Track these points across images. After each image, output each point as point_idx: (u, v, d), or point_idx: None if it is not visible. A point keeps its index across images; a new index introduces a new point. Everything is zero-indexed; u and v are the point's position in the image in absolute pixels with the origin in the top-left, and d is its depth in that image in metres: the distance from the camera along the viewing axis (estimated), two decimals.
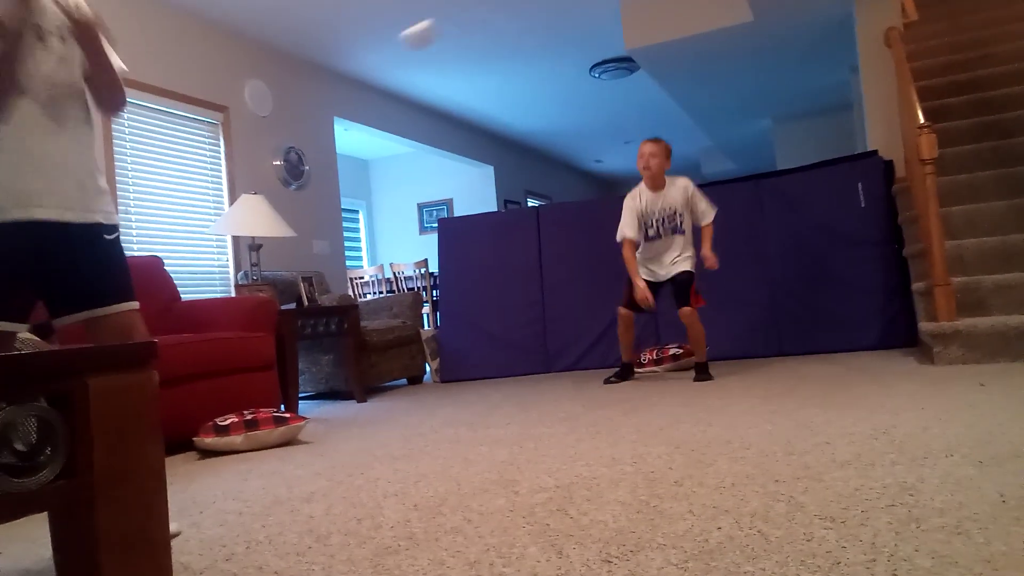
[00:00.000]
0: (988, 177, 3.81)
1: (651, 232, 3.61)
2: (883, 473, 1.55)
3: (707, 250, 3.53)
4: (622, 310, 3.67)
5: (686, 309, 3.50)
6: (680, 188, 3.60)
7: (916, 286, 3.59)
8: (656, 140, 3.63)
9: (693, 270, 3.57)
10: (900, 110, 4.14)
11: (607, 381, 3.74)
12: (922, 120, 3.26)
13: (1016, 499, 1.29)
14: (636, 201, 3.64)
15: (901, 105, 4.00)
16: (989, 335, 3.01)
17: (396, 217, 8.96)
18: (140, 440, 0.80)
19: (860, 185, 4.23)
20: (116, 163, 4.06)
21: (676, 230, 3.59)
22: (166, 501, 0.82)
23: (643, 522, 1.38)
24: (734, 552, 1.18)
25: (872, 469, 1.59)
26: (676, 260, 3.60)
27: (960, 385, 2.57)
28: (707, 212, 3.58)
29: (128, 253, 4.01)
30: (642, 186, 3.66)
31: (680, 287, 3.55)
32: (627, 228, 3.60)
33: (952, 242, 3.49)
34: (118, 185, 4.06)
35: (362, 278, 6.70)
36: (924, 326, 3.26)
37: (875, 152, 4.45)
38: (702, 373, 3.54)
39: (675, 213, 3.58)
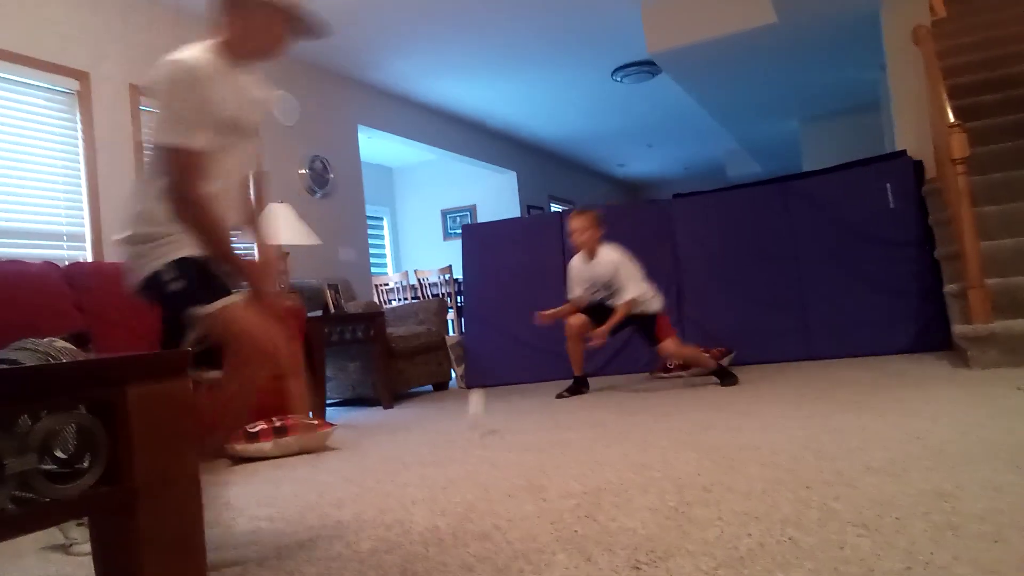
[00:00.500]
0: (1022, 176, 3.73)
1: (596, 296, 3.72)
2: (919, 479, 1.52)
3: (603, 328, 3.56)
4: (572, 319, 3.71)
5: (662, 346, 3.58)
6: (607, 263, 3.66)
7: (949, 288, 3.52)
8: (582, 213, 3.73)
9: (655, 311, 3.64)
10: (930, 109, 4.06)
11: (559, 396, 3.70)
12: (952, 119, 3.20)
13: None
14: (577, 264, 3.81)
15: (931, 104, 3.93)
16: None
17: (420, 223, 9.01)
18: (177, 446, 0.82)
19: (889, 186, 4.16)
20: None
21: (613, 297, 3.65)
22: (202, 506, 0.84)
23: (672, 528, 1.37)
24: (765, 559, 1.16)
25: (907, 475, 1.56)
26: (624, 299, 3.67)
27: (997, 389, 2.51)
28: (624, 291, 3.58)
29: None
30: (580, 253, 3.77)
31: (647, 328, 3.64)
32: (570, 290, 3.83)
33: (987, 243, 3.41)
34: None
35: (387, 285, 6.74)
36: (958, 329, 3.19)
37: (903, 152, 4.38)
38: (724, 378, 3.51)
39: (607, 283, 3.65)
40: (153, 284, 1.55)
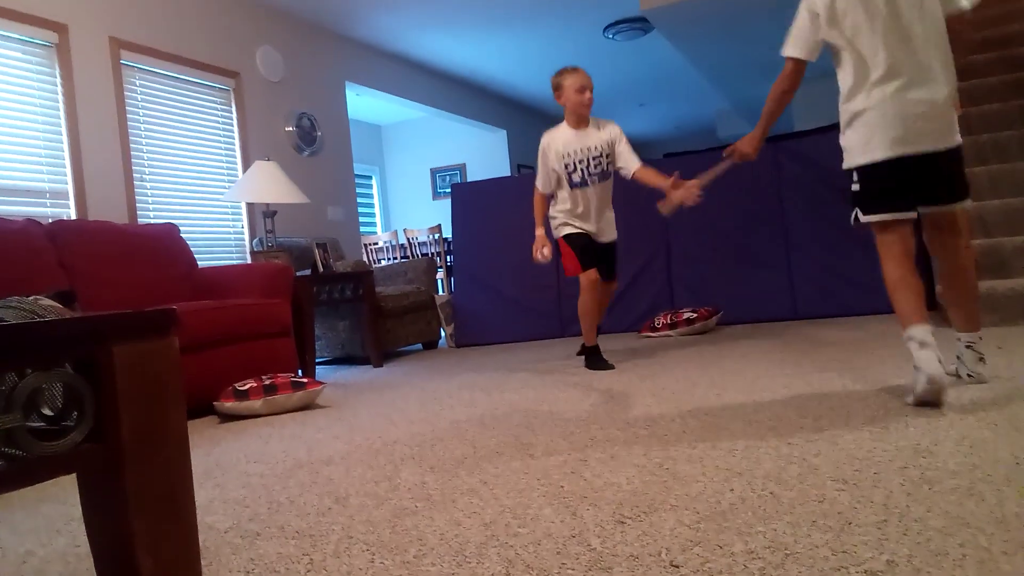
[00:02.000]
0: (1014, 136, 3.73)
1: (575, 178, 3.11)
2: (897, 435, 1.56)
3: (673, 183, 2.93)
4: (591, 275, 3.06)
5: (615, 285, 3.38)
6: (606, 131, 3.14)
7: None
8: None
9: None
10: None
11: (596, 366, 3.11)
12: None
13: None
14: (553, 142, 3.15)
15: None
16: (1009, 297, 2.98)
17: (409, 182, 8.93)
18: (164, 405, 0.82)
19: None
20: (130, 130, 4.07)
21: (604, 176, 3.13)
22: (190, 464, 0.84)
23: (656, 484, 1.40)
24: (746, 513, 1.19)
25: (887, 432, 1.60)
26: (611, 220, 3.24)
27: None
28: (633, 157, 3.11)
29: (144, 220, 4.06)
30: (562, 125, 3.19)
31: (614, 257, 3.29)
32: (539, 180, 3.20)
33: (974, 203, 3.43)
34: (132, 153, 4.07)
35: (376, 244, 6.72)
36: (941, 288, 3.23)
37: None
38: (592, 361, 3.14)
39: (601, 155, 3.10)
40: None
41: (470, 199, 5.01)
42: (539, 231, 3.17)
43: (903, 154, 1.90)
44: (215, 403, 2.75)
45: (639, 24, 6.17)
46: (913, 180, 1.93)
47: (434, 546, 1.19)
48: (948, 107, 1.89)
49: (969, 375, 2.01)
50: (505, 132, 8.41)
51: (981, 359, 2.00)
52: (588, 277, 3.06)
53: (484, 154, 8.52)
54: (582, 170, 3.10)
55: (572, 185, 3.13)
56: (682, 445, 1.67)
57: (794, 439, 1.62)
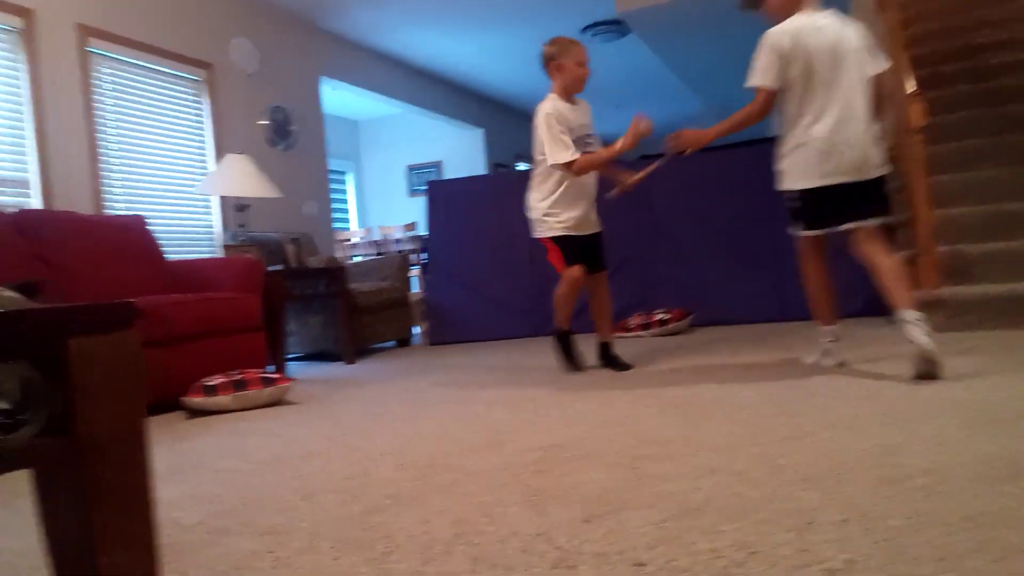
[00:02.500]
0: (979, 145, 3.81)
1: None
2: (870, 434, 1.58)
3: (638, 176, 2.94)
4: (575, 271, 2.90)
5: (606, 273, 3.03)
6: (589, 109, 3.02)
7: (902, 254, 3.61)
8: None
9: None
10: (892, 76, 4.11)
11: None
12: (913, 87, 3.24)
13: (995, 461, 1.32)
14: (558, 113, 2.84)
15: (893, 72, 3.97)
16: (973, 303, 3.04)
17: (385, 179, 8.88)
18: (123, 400, 0.81)
19: None
20: (96, 119, 3.99)
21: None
22: (150, 459, 0.83)
23: (627, 482, 1.40)
24: (712, 513, 1.20)
25: (859, 431, 1.62)
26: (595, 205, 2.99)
27: (944, 351, 2.60)
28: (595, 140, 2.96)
29: (111, 211, 3.98)
30: (553, 97, 2.91)
31: (602, 245, 3.03)
32: (567, 145, 2.81)
33: (940, 211, 3.50)
34: (98, 143, 3.99)
35: (350, 240, 6.67)
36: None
37: None
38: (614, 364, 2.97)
39: (592, 134, 2.97)
40: None
41: (445, 197, 4.99)
42: (626, 143, 2.77)
43: (832, 183, 2.36)
44: (183, 398, 2.71)
45: (616, 26, 6.21)
46: (840, 202, 2.38)
47: (401, 543, 1.19)
48: (871, 145, 2.35)
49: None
50: (482, 131, 8.40)
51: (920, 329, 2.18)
52: (572, 274, 2.88)
53: (461, 152, 8.50)
54: (581, 149, 2.81)
55: None
56: (654, 443, 1.68)
57: (766, 438, 1.64)
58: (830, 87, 2.33)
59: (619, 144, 2.77)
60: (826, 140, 2.33)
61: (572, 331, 3.06)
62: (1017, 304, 2.97)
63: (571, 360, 3.01)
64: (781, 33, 2.36)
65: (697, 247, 4.51)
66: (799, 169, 2.42)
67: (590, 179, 2.93)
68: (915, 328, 2.14)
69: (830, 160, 2.33)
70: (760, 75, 2.41)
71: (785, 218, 2.66)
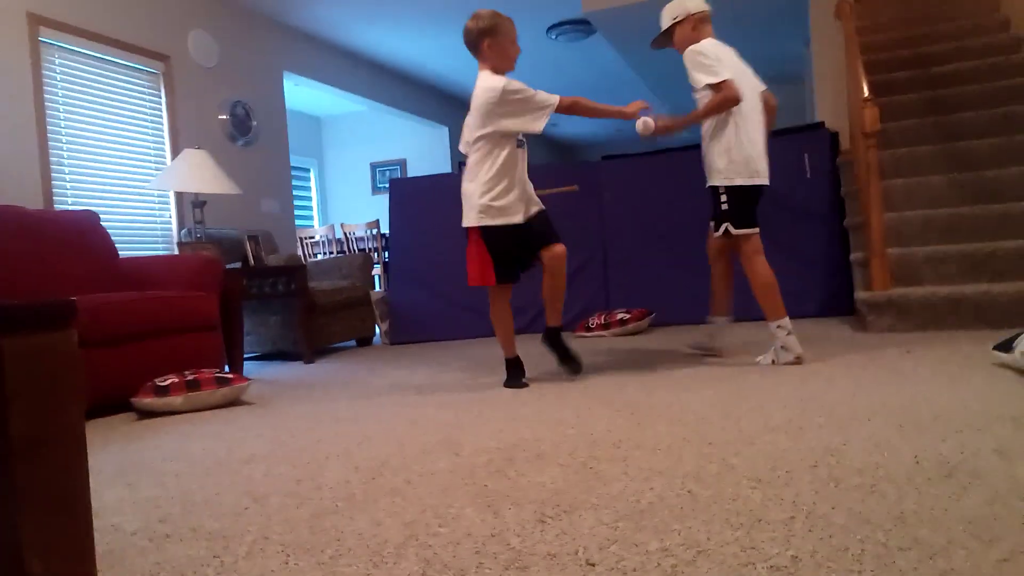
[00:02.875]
0: (928, 151, 3.93)
1: (520, 138, 2.66)
2: (811, 436, 1.62)
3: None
4: (497, 289, 2.79)
5: (562, 247, 2.69)
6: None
7: (854, 256, 3.71)
8: None
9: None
10: (847, 83, 4.21)
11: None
12: (867, 93, 3.33)
13: (930, 461, 1.37)
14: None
15: (848, 78, 4.07)
16: (920, 305, 3.13)
17: (348, 177, 8.79)
18: (59, 401, 0.78)
19: (806, 156, 4.31)
20: (47, 111, 3.87)
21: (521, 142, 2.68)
22: (86, 463, 0.80)
23: (580, 483, 1.41)
24: (664, 512, 1.22)
25: (801, 432, 1.66)
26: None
27: (889, 352, 2.68)
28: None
29: (61, 207, 3.86)
30: (488, 74, 2.59)
31: (549, 220, 2.75)
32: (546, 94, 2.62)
33: (891, 214, 3.60)
34: (49, 135, 3.87)
35: (312, 238, 6.58)
36: (860, 295, 3.38)
37: (822, 124, 4.53)
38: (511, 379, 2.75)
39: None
40: None
41: (408, 194, 4.96)
42: (637, 105, 2.75)
43: (762, 184, 2.68)
44: (132, 399, 2.64)
45: (582, 27, 6.24)
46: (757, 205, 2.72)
47: (352, 546, 1.17)
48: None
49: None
50: (447, 128, 8.37)
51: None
52: (497, 290, 2.73)
53: (425, 150, 8.47)
54: (516, 144, 2.63)
55: (518, 143, 2.63)
56: (607, 445, 1.69)
57: (715, 440, 1.66)
58: (749, 90, 2.67)
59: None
60: (757, 140, 2.65)
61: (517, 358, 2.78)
62: (961, 305, 3.07)
63: (517, 384, 2.68)
64: (703, 44, 2.69)
65: (650, 249, 4.56)
66: (738, 166, 2.65)
67: (522, 157, 2.65)
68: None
69: (761, 160, 2.68)
70: (717, 70, 2.62)
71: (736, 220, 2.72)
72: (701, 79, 2.67)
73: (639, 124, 2.75)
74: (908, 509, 1.14)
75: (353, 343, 4.92)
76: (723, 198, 2.69)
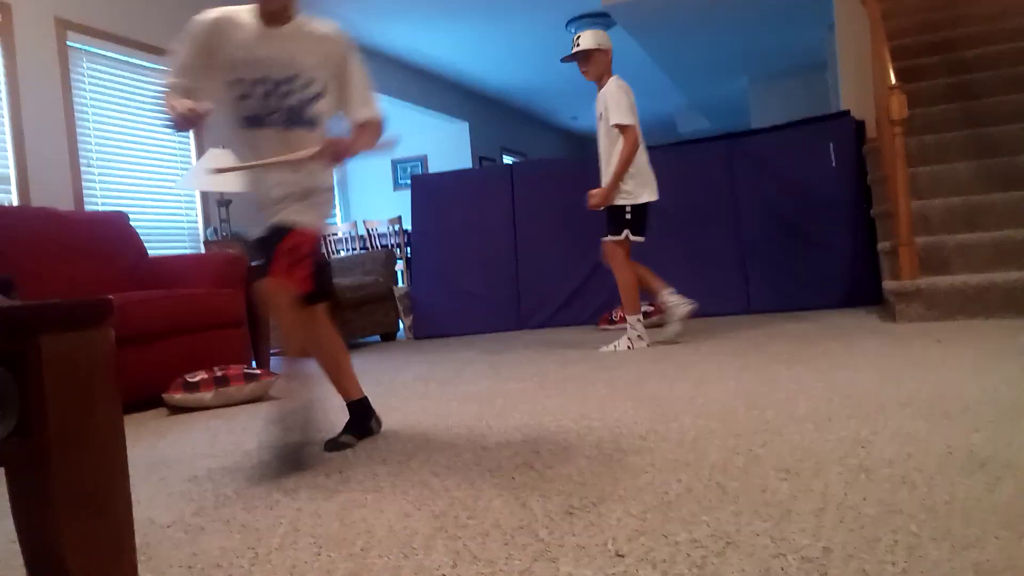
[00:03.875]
0: (956, 138, 3.85)
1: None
2: (839, 427, 1.60)
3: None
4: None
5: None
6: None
7: (882, 245, 3.65)
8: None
9: None
10: (873, 70, 4.14)
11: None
12: (893, 80, 3.27)
13: (962, 451, 1.35)
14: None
15: (874, 65, 4.01)
16: (949, 294, 3.08)
17: (370, 173, 8.84)
18: (95, 398, 0.80)
19: (831, 145, 4.26)
20: (76, 114, 3.94)
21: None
22: (125, 459, 0.82)
23: (606, 475, 1.41)
24: (692, 503, 1.22)
25: (829, 423, 1.64)
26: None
27: (918, 342, 2.64)
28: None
29: (91, 208, 3.93)
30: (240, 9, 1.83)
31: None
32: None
33: (918, 202, 3.54)
34: (79, 137, 3.94)
35: (335, 235, 6.63)
36: (888, 284, 3.33)
37: (847, 112, 4.47)
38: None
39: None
40: None
41: (430, 191, 4.98)
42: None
43: (652, 200, 3.24)
44: (164, 395, 2.69)
45: (601, 19, 6.20)
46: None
47: (382, 538, 1.19)
48: None
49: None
50: (467, 124, 8.38)
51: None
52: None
53: (446, 146, 8.48)
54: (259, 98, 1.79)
55: (265, 122, 1.82)
56: (632, 437, 1.69)
57: (741, 430, 1.65)
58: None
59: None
60: (649, 167, 3.26)
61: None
62: (991, 293, 3.01)
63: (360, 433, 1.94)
64: (626, 85, 3.19)
65: (668, 241, 4.53)
66: (638, 188, 3.18)
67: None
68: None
69: (655, 181, 3.26)
70: (631, 115, 3.12)
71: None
72: (616, 117, 3.10)
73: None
74: (940, 500, 1.12)
75: (377, 338, 4.96)
76: (628, 213, 3.20)
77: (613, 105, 3.12)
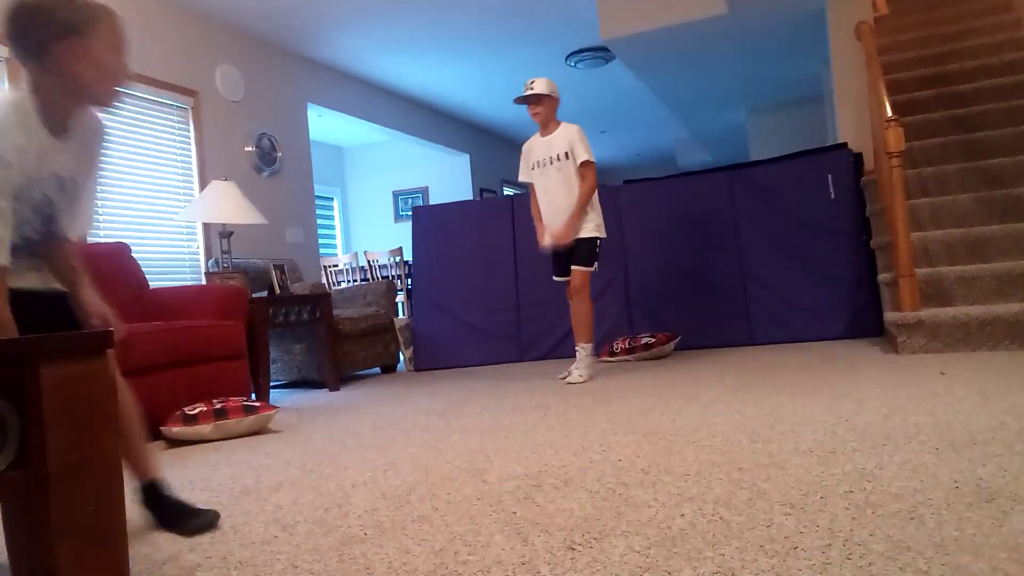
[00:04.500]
0: (954, 170, 3.88)
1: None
2: (844, 460, 1.58)
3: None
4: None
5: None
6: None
7: (882, 277, 3.66)
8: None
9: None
10: (869, 103, 4.20)
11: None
12: (890, 113, 3.31)
13: (970, 485, 1.33)
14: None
15: (870, 98, 4.06)
16: (951, 325, 3.08)
17: (371, 205, 8.90)
18: (95, 430, 0.79)
19: (830, 177, 4.29)
20: None
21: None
22: (123, 491, 0.81)
23: (609, 510, 1.39)
24: (696, 538, 1.20)
25: (834, 456, 1.62)
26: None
27: (922, 374, 2.63)
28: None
29: (94, 239, 3.95)
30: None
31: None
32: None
33: (918, 234, 3.55)
34: None
35: (336, 266, 6.65)
36: (889, 316, 3.32)
37: (844, 144, 4.51)
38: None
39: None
40: None
41: (431, 222, 5.01)
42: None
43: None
44: (162, 428, 2.67)
45: (601, 53, 6.30)
46: None
47: (382, 575, 1.17)
48: None
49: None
50: (468, 156, 8.46)
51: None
52: None
53: (447, 178, 8.55)
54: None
55: None
56: (635, 470, 1.67)
57: (745, 464, 1.63)
58: None
59: None
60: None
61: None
62: (994, 325, 3.00)
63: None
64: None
65: (672, 272, 4.54)
66: (602, 224, 3.50)
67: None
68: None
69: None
70: (590, 153, 3.43)
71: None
72: (586, 155, 3.41)
73: (546, 241, 3.51)
74: (948, 535, 1.10)
75: (377, 370, 4.94)
76: (598, 246, 3.47)
77: (582, 145, 3.44)
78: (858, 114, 4.69)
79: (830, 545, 1.11)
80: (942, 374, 2.57)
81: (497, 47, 5.98)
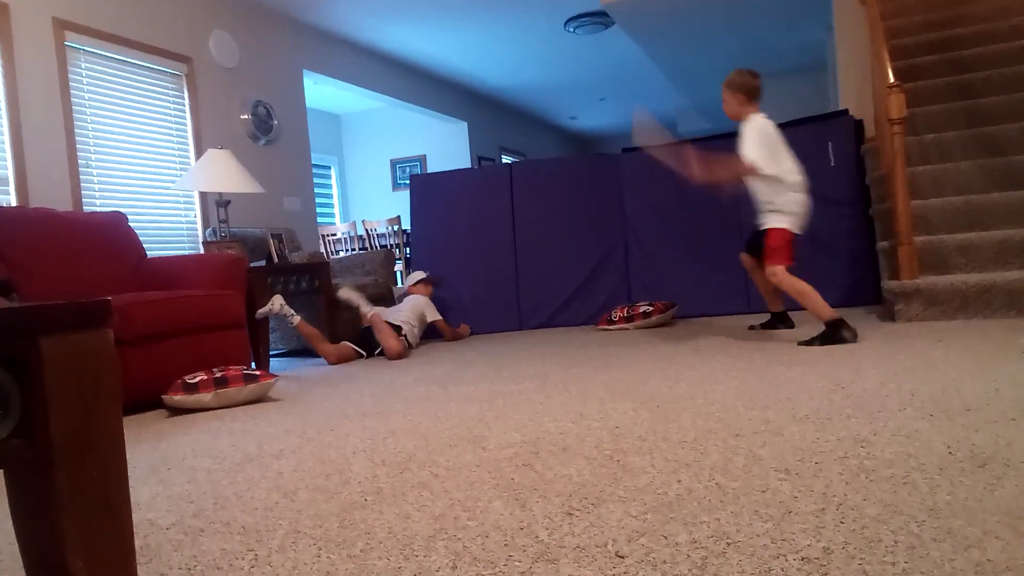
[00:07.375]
0: (955, 137, 3.85)
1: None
2: (839, 427, 1.60)
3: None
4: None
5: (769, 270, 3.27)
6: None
7: (880, 244, 3.65)
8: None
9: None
10: (871, 69, 4.14)
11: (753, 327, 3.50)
12: (892, 79, 3.27)
13: (962, 451, 1.35)
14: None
15: (872, 64, 4.01)
16: (949, 293, 3.08)
17: (369, 173, 8.84)
18: (96, 400, 0.80)
19: (830, 144, 4.26)
20: (75, 114, 3.93)
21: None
22: (125, 461, 0.82)
23: (606, 476, 1.41)
24: (692, 504, 1.21)
25: (829, 423, 1.64)
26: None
27: (919, 342, 2.64)
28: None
29: (90, 208, 3.93)
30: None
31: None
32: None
33: (917, 202, 3.54)
34: (76, 137, 3.94)
35: (334, 235, 6.63)
36: (887, 284, 3.33)
37: (846, 111, 4.47)
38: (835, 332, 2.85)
39: None
40: None
41: (429, 191, 4.98)
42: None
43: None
44: (163, 396, 2.69)
45: (600, 18, 6.20)
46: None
47: (382, 539, 1.19)
48: None
49: None
50: (466, 124, 8.38)
51: None
52: None
53: (445, 146, 8.48)
54: None
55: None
56: (632, 437, 1.69)
57: (742, 431, 1.65)
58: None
59: None
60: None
61: None
62: (991, 293, 3.01)
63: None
64: None
65: (672, 241, 4.53)
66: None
67: None
68: None
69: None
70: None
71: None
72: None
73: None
74: (941, 500, 1.12)
75: None
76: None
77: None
78: (860, 80, 4.63)
79: (824, 509, 1.13)
80: (939, 342, 2.59)
81: (495, 12, 5.88)
